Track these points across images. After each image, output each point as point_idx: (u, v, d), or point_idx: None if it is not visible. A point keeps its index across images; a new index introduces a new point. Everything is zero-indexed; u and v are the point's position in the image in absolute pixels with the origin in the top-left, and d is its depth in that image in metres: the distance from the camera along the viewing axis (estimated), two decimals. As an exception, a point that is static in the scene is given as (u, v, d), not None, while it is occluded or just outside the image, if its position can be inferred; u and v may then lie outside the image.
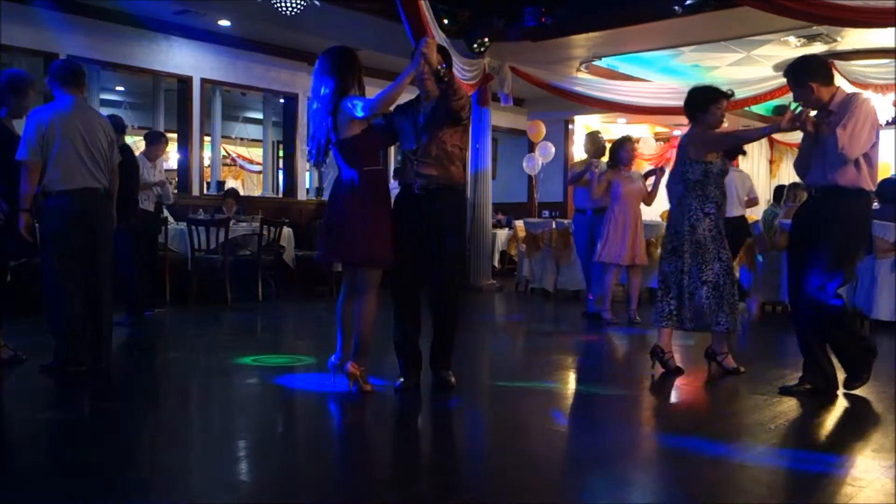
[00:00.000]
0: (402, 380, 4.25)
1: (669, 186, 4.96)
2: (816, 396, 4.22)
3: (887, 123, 10.78)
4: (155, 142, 7.67)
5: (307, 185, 12.11)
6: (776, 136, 13.99)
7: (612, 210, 7.16)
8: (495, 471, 3.07)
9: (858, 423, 3.89)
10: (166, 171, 9.12)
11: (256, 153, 16.10)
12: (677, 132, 16.20)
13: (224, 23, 9.79)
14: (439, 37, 8.13)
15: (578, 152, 13.48)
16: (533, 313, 8.65)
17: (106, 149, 4.75)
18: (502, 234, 12.01)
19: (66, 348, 4.58)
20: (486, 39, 9.64)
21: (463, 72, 9.31)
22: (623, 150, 7.26)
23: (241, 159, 17.69)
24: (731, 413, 4.18)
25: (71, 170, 4.55)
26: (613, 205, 7.16)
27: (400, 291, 4.26)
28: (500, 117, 12.99)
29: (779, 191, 9.21)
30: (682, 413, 4.32)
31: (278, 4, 8.08)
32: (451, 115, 4.06)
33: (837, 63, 10.28)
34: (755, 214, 10.80)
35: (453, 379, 4.31)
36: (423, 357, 4.33)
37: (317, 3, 8.34)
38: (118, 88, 13.17)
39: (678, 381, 4.81)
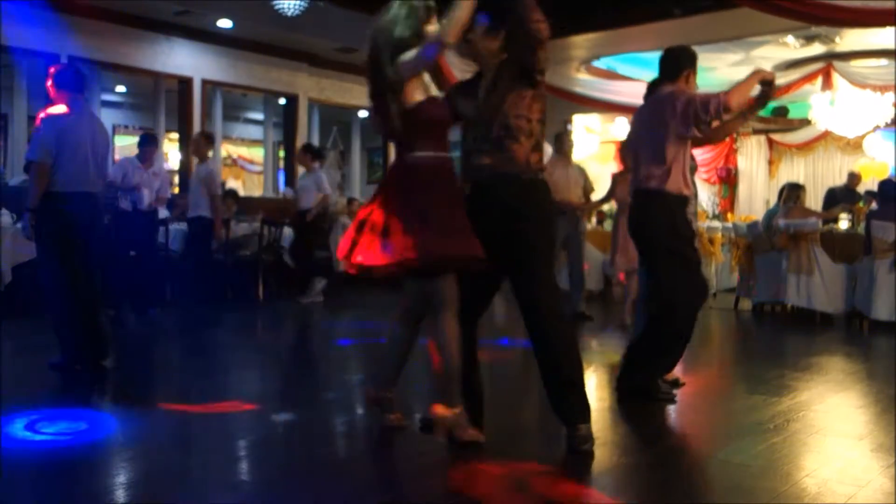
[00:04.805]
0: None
1: None
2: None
3: (886, 125, 10.76)
4: (143, 144, 7.22)
5: (307, 186, 12.11)
6: (776, 136, 14.00)
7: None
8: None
9: (857, 423, 3.90)
10: (167, 171, 9.07)
11: (257, 153, 16.11)
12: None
13: (224, 23, 9.81)
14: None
15: (578, 153, 13.47)
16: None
17: (104, 155, 4.87)
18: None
19: (71, 346, 4.65)
20: None
21: (463, 72, 9.30)
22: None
23: (241, 160, 17.70)
24: (730, 413, 4.19)
25: (77, 173, 4.64)
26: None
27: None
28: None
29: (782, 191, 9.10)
30: (680, 413, 4.33)
31: (279, 4, 8.09)
32: (524, 60, 3.39)
33: (836, 64, 10.30)
34: (756, 215, 10.79)
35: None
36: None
37: (317, 2, 8.35)
38: (118, 89, 13.19)
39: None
